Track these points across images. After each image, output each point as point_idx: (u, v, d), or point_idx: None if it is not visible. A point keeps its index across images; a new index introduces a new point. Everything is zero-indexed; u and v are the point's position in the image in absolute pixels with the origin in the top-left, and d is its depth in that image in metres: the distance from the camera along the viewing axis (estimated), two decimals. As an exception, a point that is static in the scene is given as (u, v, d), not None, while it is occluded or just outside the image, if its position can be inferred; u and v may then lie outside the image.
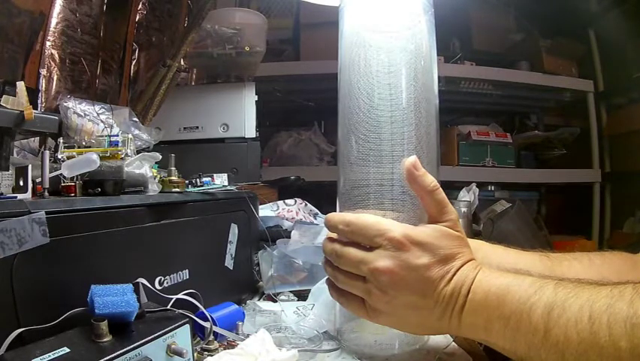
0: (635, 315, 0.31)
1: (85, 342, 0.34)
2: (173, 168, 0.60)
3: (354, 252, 0.45)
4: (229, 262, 0.64)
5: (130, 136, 0.56)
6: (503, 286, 0.39)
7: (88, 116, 0.65)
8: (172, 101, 1.06)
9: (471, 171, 2.03)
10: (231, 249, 0.64)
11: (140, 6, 1.12)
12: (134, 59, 1.12)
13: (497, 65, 2.13)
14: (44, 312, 0.36)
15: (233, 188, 0.69)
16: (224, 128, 1.09)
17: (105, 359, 0.32)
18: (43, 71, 0.83)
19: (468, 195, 1.33)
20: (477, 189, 1.36)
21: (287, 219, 0.98)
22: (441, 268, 0.42)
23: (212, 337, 0.45)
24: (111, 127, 0.66)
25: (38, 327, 0.34)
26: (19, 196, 0.41)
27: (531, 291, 0.37)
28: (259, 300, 0.70)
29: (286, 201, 1.05)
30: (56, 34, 0.86)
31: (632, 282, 0.34)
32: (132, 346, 0.34)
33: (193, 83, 1.31)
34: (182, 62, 1.10)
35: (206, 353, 0.44)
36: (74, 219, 0.40)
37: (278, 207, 1.02)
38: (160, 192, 0.56)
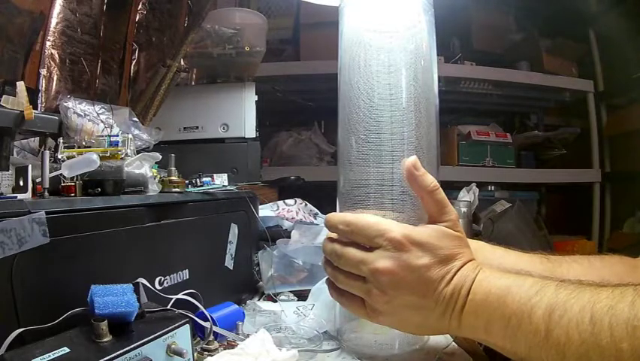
0: (635, 317, 0.31)
1: (85, 342, 0.34)
2: (173, 168, 0.60)
3: (354, 252, 0.45)
4: (229, 262, 0.64)
5: (130, 136, 0.55)
6: (504, 287, 0.39)
7: (88, 116, 0.65)
8: (172, 101, 1.06)
9: (471, 171, 2.03)
10: (231, 249, 0.64)
11: (140, 6, 1.12)
12: (134, 59, 1.12)
13: (497, 65, 2.12)
14: (44, 312, 0.36)
15: (233, 188, 0.69)
16: (224, 128, 1.09)
17: (105, 359, 0.32)
18: (43, 71, 0.83)
19: (468, 195, 1.33)
20: (477, 189, 1.36)
21: (287, 219, 0.97)
22: (441, 269, 0.42)
23: (212, 337, 0.45)
24: (111, 127, 0.66)
25: (38, 327, 0.34)
26: (19, 196, 0.41)
27: (532, 292, 0.37)
28: (259, 300, 0.70)
29: (286, 201, 1.05)
30: (56, 34, 0.86)
31: (633, 284, 0.34)
32: (132, 346, 0.34)
33: (193, 83, 1.31)
34: (182, 62, 1.10)
35: (206, 353, 0.43)
36: (74, 219, 0.40)
37: (278, 207, 1.02)
38: (160, 192, 0.56)
